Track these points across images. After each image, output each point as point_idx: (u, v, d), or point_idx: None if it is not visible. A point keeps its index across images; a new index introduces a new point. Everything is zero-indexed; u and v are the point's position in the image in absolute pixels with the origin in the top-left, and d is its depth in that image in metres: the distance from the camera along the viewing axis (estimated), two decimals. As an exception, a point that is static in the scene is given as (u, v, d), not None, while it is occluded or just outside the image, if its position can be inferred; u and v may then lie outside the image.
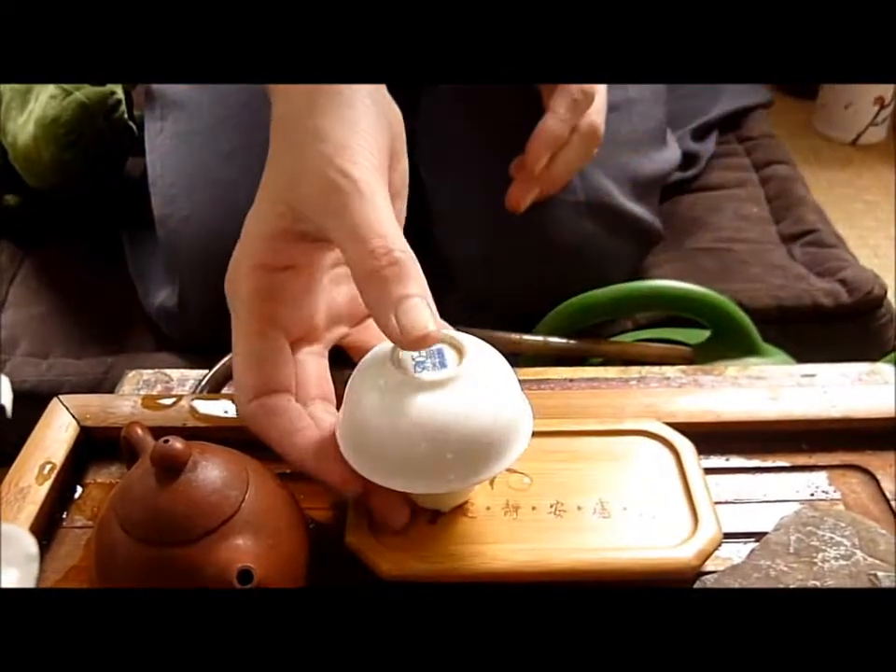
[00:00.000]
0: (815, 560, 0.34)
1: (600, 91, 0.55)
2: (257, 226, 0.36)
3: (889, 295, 0.72)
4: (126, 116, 0.69)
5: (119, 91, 0.68)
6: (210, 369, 0.50)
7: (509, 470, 0.38)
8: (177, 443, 0.29)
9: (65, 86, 0.66)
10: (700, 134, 0.84)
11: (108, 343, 0.66)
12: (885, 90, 1.58)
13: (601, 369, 0.50)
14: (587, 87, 0.52)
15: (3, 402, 0.22)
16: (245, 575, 0.27)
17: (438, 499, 0.35)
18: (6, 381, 0.23)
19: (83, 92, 0.65)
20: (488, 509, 0.36)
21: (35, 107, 0.67)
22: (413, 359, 0.32)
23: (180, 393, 0.48)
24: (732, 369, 0.49)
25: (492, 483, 0.37)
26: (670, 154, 0.69)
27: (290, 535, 0.31)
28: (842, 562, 0.34)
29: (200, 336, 0.61)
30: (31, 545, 0.17)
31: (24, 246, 0.75)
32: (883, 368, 0.49)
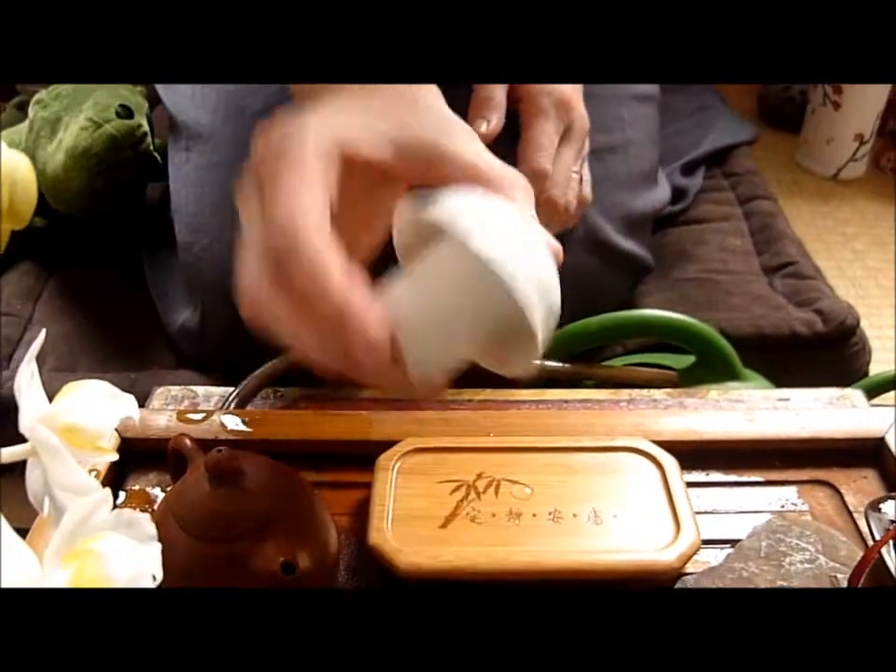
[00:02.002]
0: (783, 563, 0.39)
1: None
2: (351, 120, 0.35)
3: (863, 324, 0.77)
4: (151, 147, 0.73)
5: (145, 123, 0.73)
6: (231, 386, 0.54)
7: (511, 482, 0.42)
8: (229, 453, 0.33)
9: (95, 118, 0.70)
10: (688, 170, 0.89)
11: (131, 359, 0.70)
12: (864, 127, 1.64)
13: (594, 391, 0.54)
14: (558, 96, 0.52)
15: (132, 414, 0.25)
16: (288, 566, 0.31)
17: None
18: (132, 398, 0.27)
19: (113, 125, 0.70)
20: (493, 515, 0.41)
21: (66, 137, 0.71)
22: None
23: (206, 408, 0.52)
24: (713, 392, 0.53)
25: (497, 492, 0.42)
26: (661, 192, 0.73)
27: (323, 534, 0.35)
28: (807, 565, 0.39)
29: (220, 356, 0.65)
30: (152, 528, 0.21)
31: (49, 267, 0.78)
32: (852, 393, 0.54)
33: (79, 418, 0.23)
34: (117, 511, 0.21)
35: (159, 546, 0.21)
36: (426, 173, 0.35)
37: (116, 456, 0.25)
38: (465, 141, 0.35)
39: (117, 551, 0.20)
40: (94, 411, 0.24)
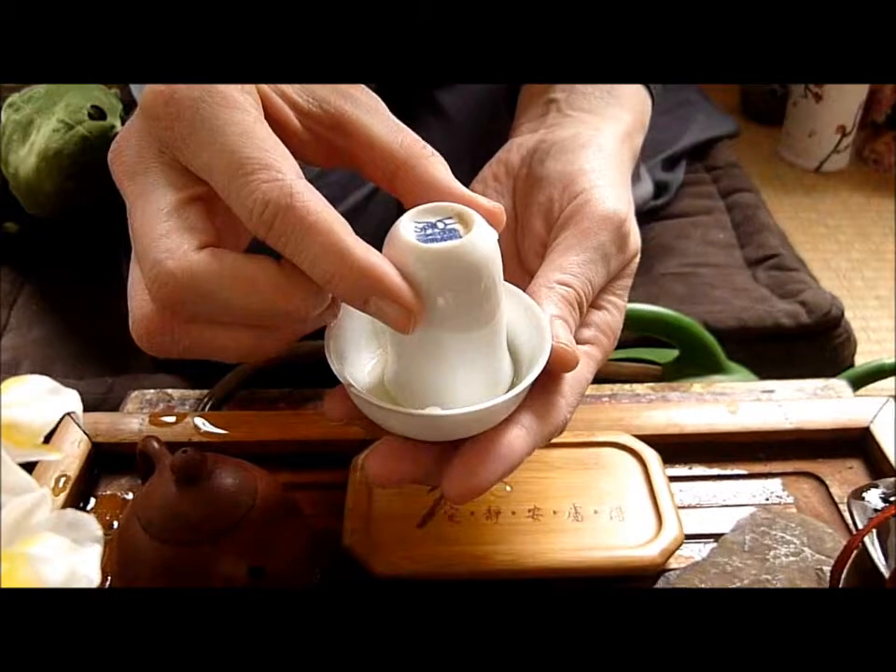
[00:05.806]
0: (767, 557, 0.38)
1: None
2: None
3: (848, 315, 0.77)
4: (125, 148, 0.72)
5: (118, 124, 0.72)
6: (208, 388, 0.53)
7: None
8: (196, 454, 0.32)
9: (67, 120, 0.69)
10: (670, 164, 0.88)
11: (108, 364, 0.69)
12: (846, 118, 1.65)
13: (576, 386, 0.53)
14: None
15: (75, 409, 0.25)
16: (255, 571, 0.30)
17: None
18: (75, 393, 0.26)
19: (85, 127, 0.69)
20: (472, 514, 0.40)
21: (38, 140, 0.70)
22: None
23: (181, 411, 0.51)
24: (697, 385, 0.53)
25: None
26: (644, 189, 0.73)
27: (294, 536, 0.34)
28: (792, 558, 0.38)
29: (198, 358, 0.64)
30: (97, 528, 0.20)
31: (24, 272, 0.77)
32: (836, 383, 0.53)
33: (18, 415, 0.22)
34: (59, 511, 0.20)
35: (99, 548, 0.20)
36: (334, 139, 0.31)
37: (58, 456, 0.24)
38: (392, 126, 0.31)
39: (51, 554, 0.19)
40: (34, 407, 0.23)
